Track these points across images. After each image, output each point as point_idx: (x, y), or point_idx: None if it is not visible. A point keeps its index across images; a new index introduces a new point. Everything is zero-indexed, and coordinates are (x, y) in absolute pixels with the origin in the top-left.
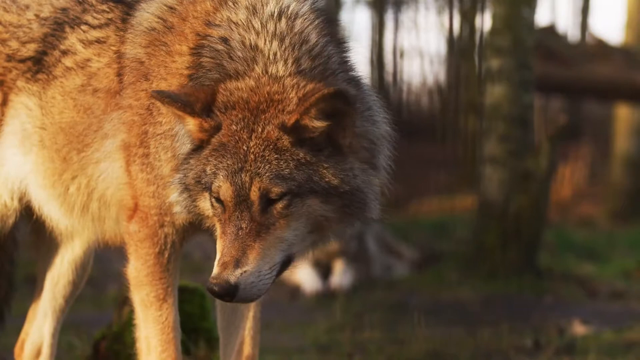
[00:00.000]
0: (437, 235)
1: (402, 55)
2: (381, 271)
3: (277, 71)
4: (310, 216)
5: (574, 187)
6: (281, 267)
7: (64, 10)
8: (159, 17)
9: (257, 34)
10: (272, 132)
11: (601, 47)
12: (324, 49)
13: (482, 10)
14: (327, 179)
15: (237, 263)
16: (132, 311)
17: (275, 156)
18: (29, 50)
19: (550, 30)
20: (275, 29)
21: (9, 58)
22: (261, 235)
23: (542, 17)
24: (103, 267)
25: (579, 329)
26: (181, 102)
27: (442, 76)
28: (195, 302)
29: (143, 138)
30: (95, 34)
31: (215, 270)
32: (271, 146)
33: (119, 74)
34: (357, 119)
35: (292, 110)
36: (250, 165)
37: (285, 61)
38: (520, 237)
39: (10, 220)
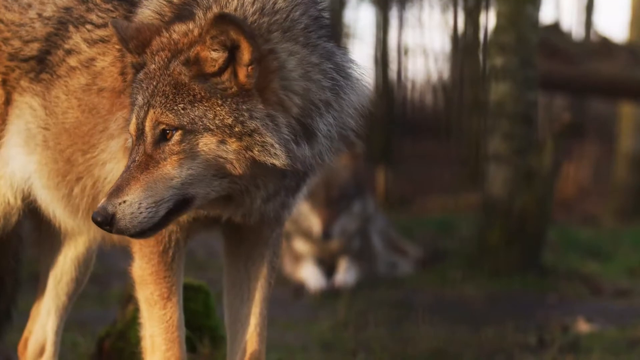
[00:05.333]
0: (441, 233)
1: (406, 52)
2: (386, 269)
3: None
4: (208, 157)
5: (578, 185)
6: (175, 206)
7: (67, 9)
8: (157, 13)
9: None
10: (176, 67)
11: (605, 45)
12: (289, 14)
13: (487, 8)
14: (220, 117)
15: (119, 193)
16: (136, 309)
17: (173, 91)
18: (32, 49)
19: (555, 27)
20: None
21: (12, 57)
22: (149, 169)
23: (546, 15)
24: (107, 265)
25: (583, 326)
26: (121, 35)
27: (446, 74)
28: (200, 300)
29: None
30: (100, 32)
31: (102, 200)
32: (173, 82)
33: (123, 73)
34: (283, 72)
35: (196, 44)
36: (152, 99)
37: (233, 10)
38: (524, 235)
39: (14, 219)
